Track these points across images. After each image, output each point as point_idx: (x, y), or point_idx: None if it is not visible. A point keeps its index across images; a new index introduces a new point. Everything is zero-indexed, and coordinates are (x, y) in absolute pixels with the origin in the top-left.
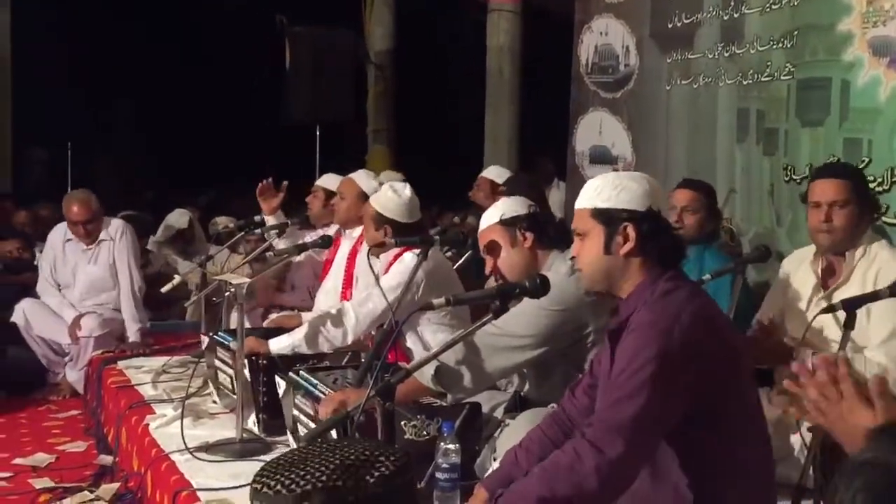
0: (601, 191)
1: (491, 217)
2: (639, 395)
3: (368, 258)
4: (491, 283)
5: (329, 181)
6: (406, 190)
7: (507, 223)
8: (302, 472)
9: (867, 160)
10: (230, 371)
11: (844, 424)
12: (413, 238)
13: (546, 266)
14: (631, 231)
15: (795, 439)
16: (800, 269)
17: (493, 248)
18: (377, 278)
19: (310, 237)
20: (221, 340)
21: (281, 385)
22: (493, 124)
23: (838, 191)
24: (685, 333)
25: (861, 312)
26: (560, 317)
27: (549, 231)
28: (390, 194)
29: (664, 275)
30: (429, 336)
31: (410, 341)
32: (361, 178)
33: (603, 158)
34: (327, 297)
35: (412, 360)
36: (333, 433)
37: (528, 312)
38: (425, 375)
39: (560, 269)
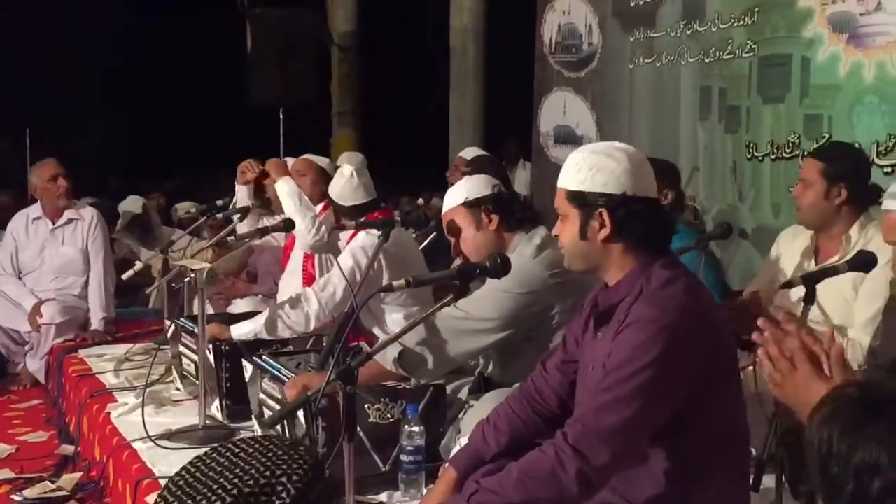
0: (579, 170)
1: (454, 198)
2: (631, 402)
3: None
4: (458, 263)
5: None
6: (347, 172)
7: (472, 204)
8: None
9: (827, 136)
10: (195, 357)
11: (800, 396)
12: (375, 221)
13: (511, 248)
14: (606, 217)
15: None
16: (793, 244)
17: (457, 229)
18: (339, 265)
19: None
20: (186, 326)
21: (248, 369)
22: (458, 105)
23: (807, 169)
24: (685, 336)
25: (849, 291)
26: (525, 299)
27: (515, 212)
28: (336, 178)
29: (656, 261)
30: (389, 319)
31: (370, 323)
32: (314, 157)
33: (568, 138)
34: (290, 279)
35: (376, 342)
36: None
37: (492, 296)
38: (388, 359)
39: (525, 251)
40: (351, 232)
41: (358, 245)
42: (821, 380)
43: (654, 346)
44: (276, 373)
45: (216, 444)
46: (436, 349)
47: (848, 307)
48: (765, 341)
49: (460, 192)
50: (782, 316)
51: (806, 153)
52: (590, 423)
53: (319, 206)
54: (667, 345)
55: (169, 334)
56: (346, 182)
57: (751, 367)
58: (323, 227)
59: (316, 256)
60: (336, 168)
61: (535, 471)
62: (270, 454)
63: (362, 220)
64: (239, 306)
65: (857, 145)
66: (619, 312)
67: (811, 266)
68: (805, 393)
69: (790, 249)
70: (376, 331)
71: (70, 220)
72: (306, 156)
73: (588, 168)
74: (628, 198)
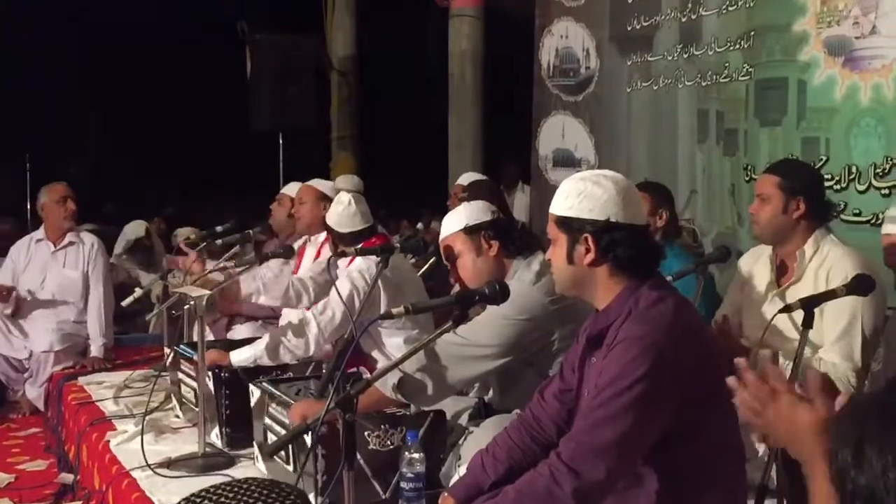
0: (567, 197)
1: (453, 224)
2: (623, 418)
3: (329, 263)
4: (457, 289)
5: (294, 189)
6: (345, 199)
7: (471, 230)
8: None
9: (825, 158)
10: (194, 384)
11: (783, 424)
12: (373, 247)
13: (510, 274)
14: (590, 242)
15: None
16: (756, 267)
17: (456, 255)
18: (339, 292)
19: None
20: (185, 353)
21: (254, 394)
22: (457, 129)
23: (764, 184)
24: (674, 352)
25: (815, 311)
26: (524, 326)
27: (514, 238)
28: (333, 205)
29: (644, 283)
30: (388, 343)
31: (370, 346)
32: (317, 181)
33: (566, 161)
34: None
35: (375, 365)
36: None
37: (491, 322)
38: (387, 385)
39: (524, 277)
40: (349, 258)
41: (355, 269)
42: (805, 404)
43: (643, 362)
44: (283, 397)
45: (196, 493)
46: (435, 375)
47: (815, 326)
48: (741, 368)
49: (459, 218)
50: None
51: None
52: (583, 440)
53: (321, 237)
54: (655, 360)
55: (168, 361)
56: (344, 209)
57: None
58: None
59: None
60: (335, 189)
61: (531, 490)
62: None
63: (360, 246)
64: (240, 332)
65: (854, 168)
66: (609, 335)
67: (775, 287)
68: (789, 419)
69: (753, 271)
70: (376, 354)
71: (71, 243)
72: (313, 182)
73: (576, 195)
74: (612, 224)
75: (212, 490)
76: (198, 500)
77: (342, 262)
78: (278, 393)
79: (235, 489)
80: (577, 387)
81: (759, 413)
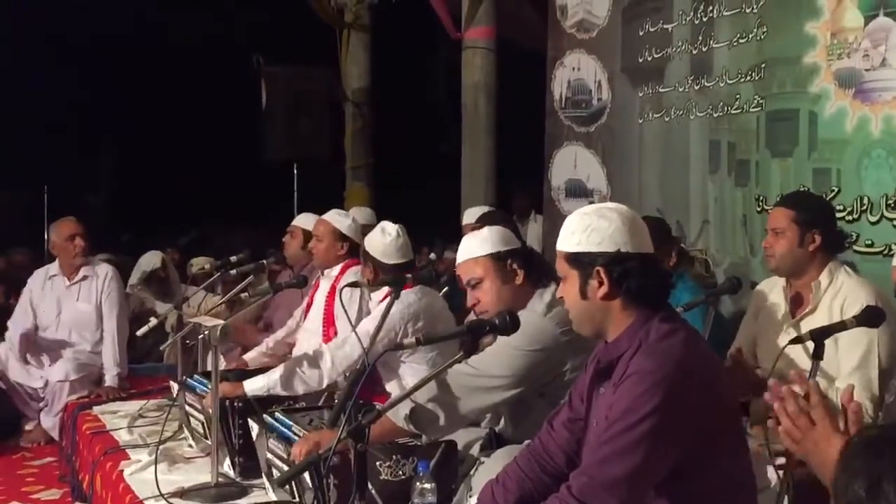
0: (573, 233)
1: (476, 248)
2: (634, 452)
3: (340, 298)
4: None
5: (306, 221)
6: (392, 231)
7: (500, 257)
8: None
9: (836, 190)
10: (200, 416)
11: (818, 452)
12: (385, 278)
13: (528, 304)
14: (603, 275)
15: (772, 471)
16: (770, 298)
17: (477, 280)
18: (350, 321)
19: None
20: (191, 385)
21: (254, 428)
22: (470, 160)
23: (778, 218)
24: (685, 386)
25: (829, 343)
26: (536, 357)
27: (537, 268)
28: (378, 234)
29: (655, 315)
30: (409, 380)
31: (391, 387)
32: (335, 217)
33: (578, 192)
34: (309, 338)
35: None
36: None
37: (503, 353)
38: (399, 416)
39: (536, 307)
40: (384, 292)
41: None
42: (839, 434)
43: (653, 396)
44: (282, 430)
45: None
46: (447, 406)
47: (829, 358)
48: (781, 397)
49: (484, 242)
50: (793, 374)
51: None
52: (594, 475)
53: (336, 270)
54: (666, 395)
55: (174, 395)
56: (392, 241)
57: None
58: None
59: (341, 319)
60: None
61: None
62: None
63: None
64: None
65: (866, 199)
66: (619, 366)
67: (790, 318)
68: (825, 448)
69: (768, 302)
70: (392, 390)
71: (85, 277)
72: (328, 215)
73: (582, 230)
74: (622, 255)
75: None
76: None
77: (376, 296)
78: (278, 426)
79: None
80: (586, 416)
81: (798, 440)
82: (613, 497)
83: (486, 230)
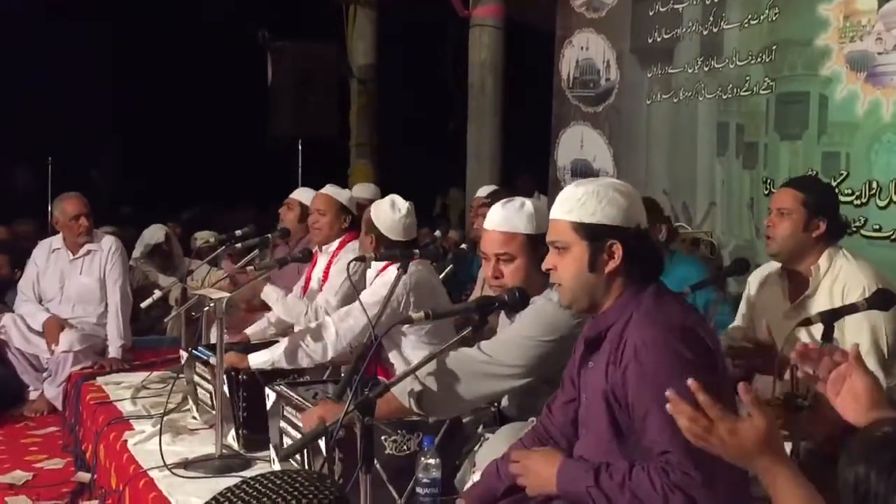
0: (585, 202)
1: (521, 224)
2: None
3: (349, 269)
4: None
5: (304, 195)
6: (403, 208)
7: (539, 241)
8: None
9: (845, 174)
10: (209, 387)
11: (728, 446)
12: (393, 252)
13: (543, 292)
14: (618, 249)
15: None
16: (765, 284)
17: (511, 259)
18: (356, 292)
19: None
20: (200, 355)
21: (270, 397)
22: (476, 139)
23: (785, 199)
24: (692, 347)
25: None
26: (551, 347)
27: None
28: (387, 208)
29: (645, 289)
30: (410, 352)
31: (392, 358)
32: (335, 191)
33: (584, 172)
34: None
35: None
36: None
37: (518, 342)
38: (405, 396)
39: (552, 295)
40: (382, 265)
41: (386, 280)
42: (744, 423)
43: (674, 362)
44: (299, 400)
45: (245, 479)
46: (454, 391)
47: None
48: (675, 401)
49: (530, 221)
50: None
51: None
52: (677, 445)
53: (335, 245)
54: (682, 353)
55: (183, 364)
56: (402, 219)
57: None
58: (318, 308)
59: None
60: (353, 199)
61: (645, 495)
62: (297, 486)
63: (383, 253)
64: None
65: (875, 183)
66: (609, 337)
67: (786, 303)
68: (733, 442)
69: (763, 290)
70: (395, 363)
71: (89, 252)
72: (326, 189)
73: (597, 200)
74: (641, 231)
75: (265, 476)
76: (251, 483)
77: (375, 267)
78: (295, 396)
79: (277, 481)
80: (578, 394)
81: (704, 438)
82: (699, 469)
83: (529, 205)
